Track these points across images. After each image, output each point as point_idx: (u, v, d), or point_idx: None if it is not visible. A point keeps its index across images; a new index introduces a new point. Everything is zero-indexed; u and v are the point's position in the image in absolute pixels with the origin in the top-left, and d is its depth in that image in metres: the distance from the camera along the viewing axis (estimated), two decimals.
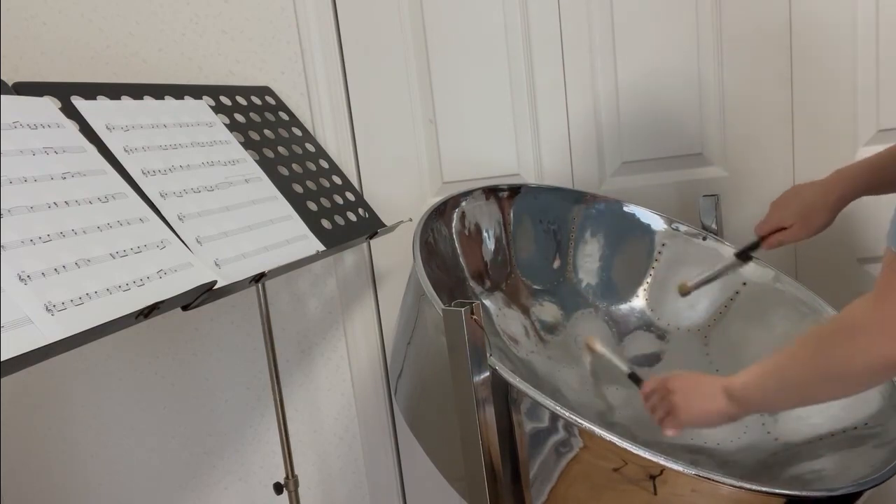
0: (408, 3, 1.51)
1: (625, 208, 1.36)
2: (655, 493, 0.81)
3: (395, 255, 1.59)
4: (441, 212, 1.19)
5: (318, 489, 1.73)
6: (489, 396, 0.86)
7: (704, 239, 1.33)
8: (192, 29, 1.52)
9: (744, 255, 1.27)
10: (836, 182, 1.16)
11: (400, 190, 1.58)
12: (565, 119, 1.54)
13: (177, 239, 0.98)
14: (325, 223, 1.29)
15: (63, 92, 1.02)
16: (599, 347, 1.18)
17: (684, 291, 1.28)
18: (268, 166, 1.27)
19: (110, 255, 0.86)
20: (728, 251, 1.31)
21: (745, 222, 1.50)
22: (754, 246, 1.24)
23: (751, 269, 1.29)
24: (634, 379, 1.11)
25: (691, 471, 0.79)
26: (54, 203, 0.85)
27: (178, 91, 1.23)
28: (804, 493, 0.84)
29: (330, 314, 1.64)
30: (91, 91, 1.06)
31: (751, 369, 0.89)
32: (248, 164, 1.23)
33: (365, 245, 1.60)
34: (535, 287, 1.31)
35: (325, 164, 1.44)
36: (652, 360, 1.28)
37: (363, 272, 1.61)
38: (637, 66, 1.50)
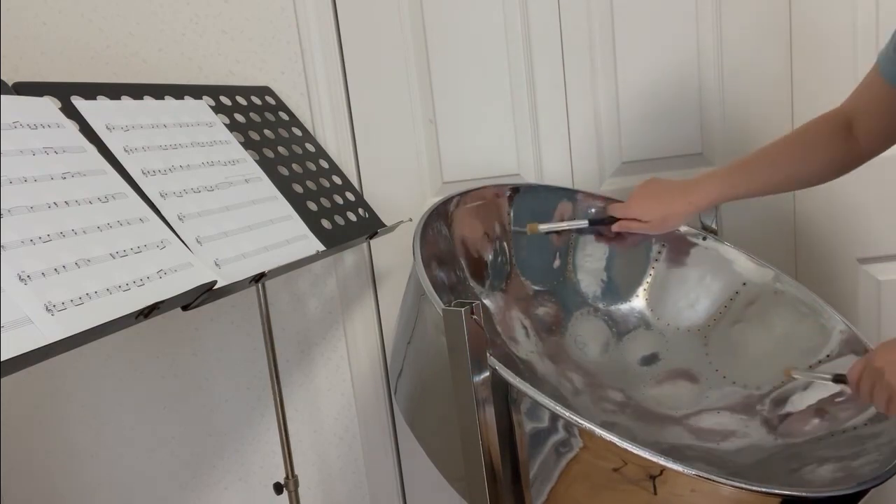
0: (408, 3, 1.51)
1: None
2: (655, 493, 0.81)
3: (395, 255, 1.59)
4: (441, 212, 1.19)
5: (318, 489, 1.73)
6: (489, 396, 0.86)
7: (704, 239, 1.33)
8: (192, 29, 1.52)
9: (594, 224, 1.33)
10: (699, 197, 1.21)
11: (400, 190, 1.58)
12: (565, 119, 1.54)
13: (177, 239, 0.98)
14: (325, 223, 1.29)
15: (63, 92, 1.01)
16: (798, 374, 1.11)
17: (533, 231, 1.31)
18: (268, 166, 1.27)
19: (110, 255, 0.86)
20: (728, 251, 1.31)
21: (745, 222, 1.50)
22: (608, 221, 1.30)
23: (751, 269, 1.29)
24: (839, 380, 1.00)
25: (691, 471, 0.79)
26: (54, 203, 0.85)
27: (178, 91, 1.23)
28: (804, 493, 0.84)
29: (330, 314, 1.64)
30: (91, 91, 1.06)
31: None
32: (248, 164, 1.23)
33: (365, 245, 1.60)
34: (535, 287, 1.31)
35: (325, 164, 1.44)
36: (651, 360, 1.28)
37: (363, 272, 1.61)
38: (637, 66, 1.50)
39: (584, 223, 1.33)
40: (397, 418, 1.67)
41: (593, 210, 1.37)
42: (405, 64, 1.54)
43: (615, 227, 1.29)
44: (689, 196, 1.22)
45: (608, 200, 1.36)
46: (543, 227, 1.32)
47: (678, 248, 1.34)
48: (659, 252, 1.35)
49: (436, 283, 0.98)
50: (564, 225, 1.34)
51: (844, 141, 1.14)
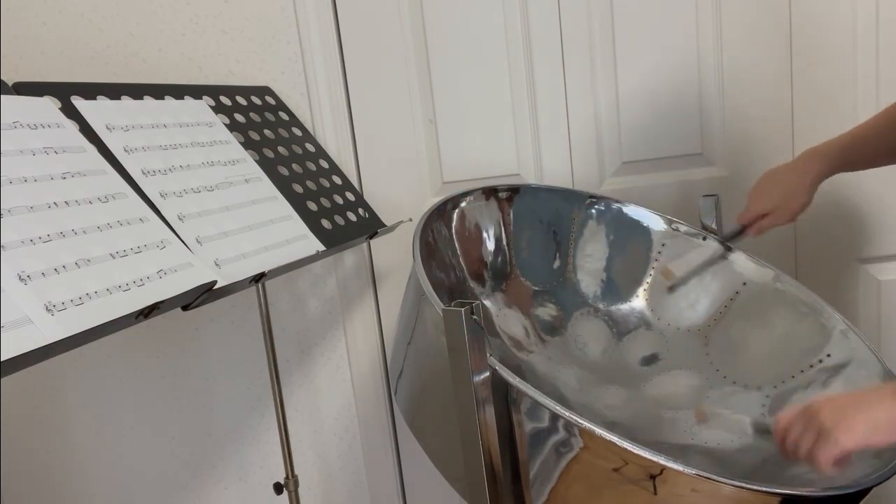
0: (408, 3, 1.51)
1: (625, 208, 1.36)
2: (655, 493, 0.81)
3: (395, 255, 1.59)
4: (441, 212, 1.19)
5: (318, 489, 1.73)
6: (489, 396, 0.86)
7: (704, 239, 1.33)
8: (192, 29, 1.52)
9: (728, 243, 1.29)
10: (810, 162, 1.17)
11: (400, 190, 1.58)
12: (565, 119, 1.54)
13: (177, 239, 0.98)
14: (325, 223, 1.29)
15: (63, 92, 1.02)
16: (711, 414, 1.11)
17: (668, 277, 1.29)
18: (268, 166, 1.27)
19: (110, 255, 0.86)
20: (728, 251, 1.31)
21: None
22: (738, 233, 1.26)
23: (751, 269, 1.29)
24: (762, 431, 1.00)
25: (691, 471, 0.79)
26: (54, 203, 0.85)
27: (178, 91, 1.23)
28: (804, 493, 0.84)
29: (330, 314, 1.64)
30: (91, 91, 1.06)
31: None
32: (248, 164, 1.23)
33: (365, 245, 1.60)
34: (535, 287, 1.31)
35: (325, 164, 1.44)
36: (651, 359, 1.28)
37: (363, 272, 1.61)
38: (637, 66, 1.50)
39: (718, 247, 1.30)
40: (397, 418, 1.67)
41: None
42: (405, 64, 1.54)
43: (752, 233, 1.25)
44: (799, 167, 1.17)
45: (609, 200, 1.36)
46: (679, 270, 1.28)
47: (678, 249, 1.34)
48: (659, 252, 1.35)
49: (436, 284, 0.98)
50: (702, 260, 1.29)
51: None
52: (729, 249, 1.30)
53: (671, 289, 1.29)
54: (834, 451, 0.78)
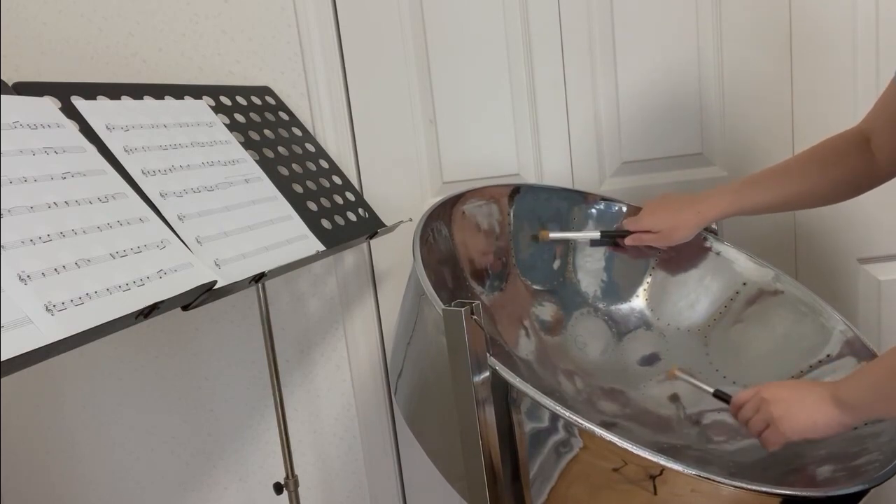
0: (408, 4, 1.51)
1: (625, 208, 1.36)
2: (655, 493, 0.81)
3: (395, 255, 1.59)
4: (441, 212, 1.19)
5: (318, 489, 1.73)
6: (489, 396, 0.86)
7: (704, 239, 1.33)
8: (192, 29, 1.52)
9: (606, 237, 1.32)
10: (706, 202, 1.21)
11: (400, 190, 1.58)
12: (565, 119, 1.54)
13: (177, 239, 0.98)
14: (325, 223, 1.29)
15: (63, 92, 1.01)
16: (682, 374, 1.15)
17: (544, 238, 1.30)
18: (268, 166, 1.27)
19: (110, 255, 0.86)
20: (728, 251, 1.31)
21: (744, 222, 1.50)
22: (621, 234, 1.29)
23: (751, 269, 1.29)
24: (720, 396, 1.08)
25: (691, 471, 0.79)
26: (54, 203, 0.85)
27: (178, 91, 1.23)
28: (804, 493, 0.84)
29: (330, 314, 1.64)
30: (91, 91, 1.06)
31: (858, 374, 0.89)
32: (248, 164, 1.23)
33: (365, 245, 1.60)
34: (535, 287, 1.31)
35: (325, 164, 1.44)
36: (651, 359, 1.28)
37: (363, 272, 1.61)
38: (637, 66, 1.50)
39: (596, 234, 1.32)
40: (397, 418, 1.67)
41: (613, 215, 1.35)
42: (405, 64, 1.54)
43: (628, 241, 1.27)
44: (697, 206, 1.21)
45: (609, 200, 1.36)
46: (555, 234, 1.31)
47: (678, 249, 1.34)
48: (659, 252, 1.35)
49: (436, 284, 0.98)
50: (576, 235, 1.33)
51: (861, 158, 1.10)
52: (603, 241, 1.32)
53: (533, 238, 1.31)
54: (779, 438, 0.93)
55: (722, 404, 1.08)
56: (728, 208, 1.20)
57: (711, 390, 1.09)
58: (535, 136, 1.55)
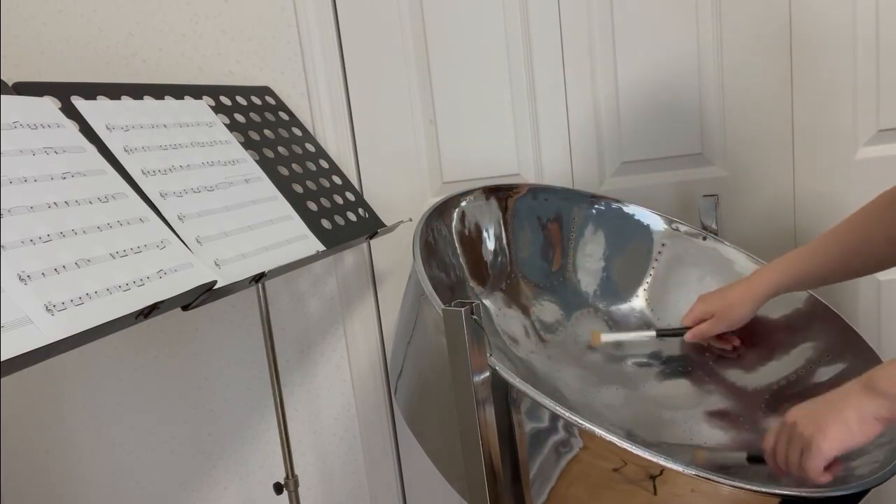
0: (408, 4, 1.51)
1: (625, 208, 1.36)
2: (655, 493, 0.81)
3: (395, 255, 1.59)
4: (441, 212, 1.19)
5: (318, 489, 1.73)
6: (489, 396, 0.86)
7: (704, 239, 1.33)
8: (192, 29, 1.52)
9: (662, 336, 1.26)
10: (759, 277, 1.15)
11: (400, 190, 1.58)
12: (565, 119, 1.54)
13: (177, 239, 0.98)
14: (325, 223, 1.29)
15: (63, 92, 1.01)
16: (607, 337, 1.14)
17: (595, 342, 1.26)
18: (268, 166, 1.27)
19: (110, 255, 0.86)
20: (728, 251, 1.31)
21: (745, 222, 1.50)
22: (677, 332, 1.23)
23: (751, 269, 1.28)
24: (754, 459, 0.97)
25: (691, 471, 0.79)
26: (54, 203, 0.85)
27: (178, 91, 1.23)
28: (804, 493, 0.84)
29: (330, 314, 1.64)
30: (91, 91, 1.06)
31: (892, 361, 0.79)
32: (248, 164, 1.23)
33: (365, 245, 1.60)
34: (535, 287, 1.31)
35: (325, 164, 1.44)
36: (652, 359, 1.28)
37: (363, 272, 1.61)
38: (637, 66, 1.50)
39: (651, 334, 1.26)
40: (397, 418, 1.67)
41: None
42: (405, 64, 1.54)
43: (688, 337, 1.20)
44: (747, 281, 1.16)
45: (608, 200, 1.36)
46: (607, 337, 1.26)
47: (678, 249, 1.34)
48: (659, 252, 1.35)
49: (436, 283, 0.98)
50: (631, 336, 1.28)
51: None
52: (659, 336, 1.26)
53: (590, 347, 1.27)
54: (819, 460, 0.81)
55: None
56: (779, 280, 1.12)
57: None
58: (535, 136, 1.55)
